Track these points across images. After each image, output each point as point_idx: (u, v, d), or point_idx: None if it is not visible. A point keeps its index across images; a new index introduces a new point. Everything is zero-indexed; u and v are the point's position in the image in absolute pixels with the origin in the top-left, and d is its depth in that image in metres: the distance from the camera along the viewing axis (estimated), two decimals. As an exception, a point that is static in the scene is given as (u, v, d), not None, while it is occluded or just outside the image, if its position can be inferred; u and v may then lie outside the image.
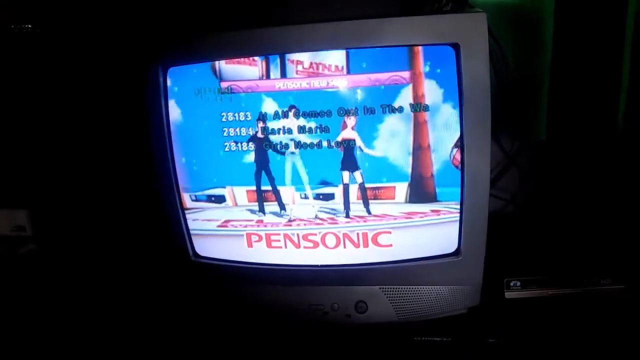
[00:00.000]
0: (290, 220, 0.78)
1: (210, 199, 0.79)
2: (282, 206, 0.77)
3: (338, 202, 0.76)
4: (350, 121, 0.72)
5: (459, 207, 0.74)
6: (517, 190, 1.06)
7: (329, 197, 0.76)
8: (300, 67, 0.72)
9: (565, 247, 0.89)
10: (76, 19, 0.89)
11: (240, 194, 0.78)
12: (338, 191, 0.76)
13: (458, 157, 0.72)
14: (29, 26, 0.88)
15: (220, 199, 0.79)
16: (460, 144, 0.71)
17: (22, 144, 0.94)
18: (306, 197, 0.77)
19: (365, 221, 0.76)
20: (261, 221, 0.79)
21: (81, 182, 0.94)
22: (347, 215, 0.76)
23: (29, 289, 0.93)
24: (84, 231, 0.96)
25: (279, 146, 0.75)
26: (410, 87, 0.70)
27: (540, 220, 0.99)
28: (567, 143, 0.97)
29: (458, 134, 0.71)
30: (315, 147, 0.74)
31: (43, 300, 0.91)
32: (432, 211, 0.75)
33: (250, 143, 0.75)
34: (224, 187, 0.78)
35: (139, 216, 0.94)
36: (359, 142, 0.73)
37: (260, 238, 0.79)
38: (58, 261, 0.96)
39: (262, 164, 0.76)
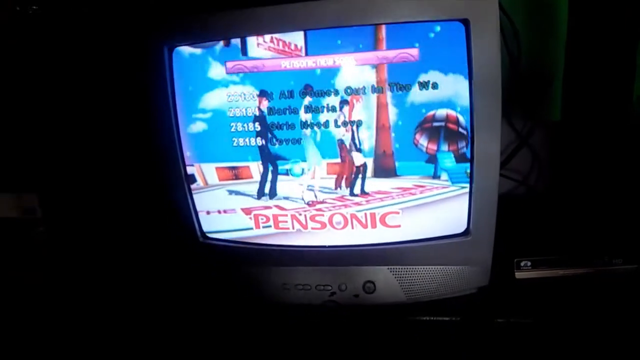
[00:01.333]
0: (298, 201, 0.78)
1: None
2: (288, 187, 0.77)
3: (345, 183, 0.76)
4: (358, 100, 0.72)
5: (468, 186, 0.73)
6: (529, 171, 1.04)
7: (337, 177, 0.75)
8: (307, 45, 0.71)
9: (577, 228, 0.88)
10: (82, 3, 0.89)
11: (245, 173, 0.78)
12: (345, 171, 0.75)
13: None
14: (35, 7, 0.88)
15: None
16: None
17: (31, 129, 0.94)
18: (313, 178, 0.76)
19: (369, 202, 0.76)
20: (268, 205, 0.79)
21: (90, 165, 0.94)
22: (353, 195, 0.76)
23: (40, 271, 0.94)
24: (93, 214, 0.96)
25: (285, 126, 0.74)
26: (418, 65, 0.69)
27: (552, 201, 0.98)
28: (581, 124, 0.95)
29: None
30: (322, 127, 0.73)
31: (53, 283, 0.92)
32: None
33: (257, 123, 0.75)
34: (231, 163, 0.78)
35: (148, 198, 0.94)
36: (366, 122, 0.72)
37: (268, 219, 0.79)
38: (67, 244, 0.96)
39: (268, 144, 0.76)
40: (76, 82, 0.92)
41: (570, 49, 0.91)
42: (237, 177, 0.78)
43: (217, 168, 0.78)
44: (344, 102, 0.72)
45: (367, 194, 0.75)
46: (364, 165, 0.74)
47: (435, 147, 0.72)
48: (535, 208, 0.98)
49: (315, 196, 0.77)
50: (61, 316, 0.86)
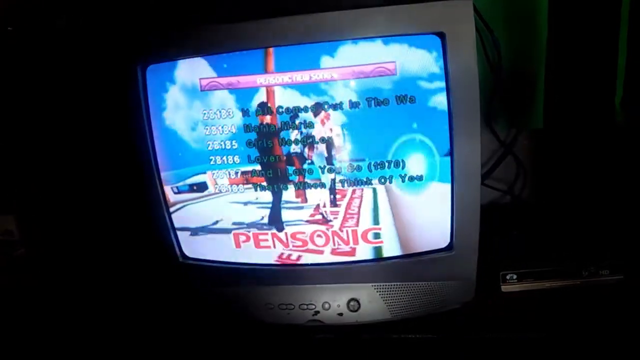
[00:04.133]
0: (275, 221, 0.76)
1: (192, 188, 0.77)
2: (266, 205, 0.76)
3: (323, 199, 0.74)
4: (335, 115, 0.70)
5: (450, 201, 0.72)
6: (513, 180, 1.04)
7: (314, 194, 0.74)
8: (282, 61, 0.70)
9: (563, 238, 0.87)
10: (56, 20, 0.88)
11: (224, 188, 0.76)
12: (323, 188, 0.74)
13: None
14: (10, 28, 0.87)
15: (202, 188, 0.77)
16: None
17: (8, 149, 0.93)
18: (297, 197, 0.75)
19: (353, 217, 0.74)
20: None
21: (67, 185, 0.93)
22: (335, 213, 0.74)
23: (22, 292, 0.93)
24: (72, 234, 0.95)
25: (262, 143, 0.73)
26: (395, 79, 0.68)
27: (537, 210, 0.97)
28: (564, 131, 0.94)
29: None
30: (300, 143, 0.72)
31: (35, 302, 0.90)
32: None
33: (233, 141, 0.73)
34: (205, 177, 0.76)
35: (126, 217, 0.93)
36: (342, 137, 0.71)
37: (248, 238, 0.78)
38: (47, 264, 0.95)
39: (245, 162, 0.74)
40: (53, 101, 0.90)
41: (550, 55, 0.91)
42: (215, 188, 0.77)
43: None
44: (319, 117, 0.71)
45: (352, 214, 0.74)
46: (333, 182, 0.73)
47: (414, 160, 0.71)
48: (521, 218, 0.97)
49: (298, 215, 0.75)
50: (43, 335, 0.84)
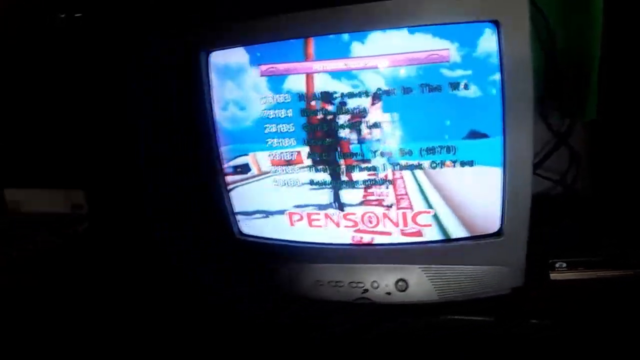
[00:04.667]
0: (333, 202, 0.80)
1: (248, 168, 0.81)
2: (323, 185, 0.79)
3: (375, 182, 0.77)
4: (388, 101, 0.73)
5: (501, 186, 0.73)
6: (566, 170, 1.03)
7: (366, 177, 0.77)
8: (336, 48, 0.73)
9: (615, 230, 0.86)
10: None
11: (279, 169, 0.80)
12: (375, 172, 0.76)
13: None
14: (62, 15, 0.93)
15: (257, 168, 0.81)
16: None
17: (82, 130, 1.00)
18: (350, 180, 0.78)
19: (404, 200, 0.77)
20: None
21: (134, 164, 0.99)
22: (386, 195, 0.77)
23: (85, 266, 1.00)
24: (136, 210, 1.01)
25: (319, 127, 0.76)
26: (449, 65, 0.70)
27: (589, 200, 0.96)
28: (618, 122, 0.93)
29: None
30: (353, 128, 0.75)
31: (97, 275, 0.96)
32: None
33: (291, 124, 0.77)
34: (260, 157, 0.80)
35: (188, 196, 0.98)
36: (394, 122, 0.73)
37: (302, 217, 0.81)
38: (112, 238, 1.01)
39: (301, 144, 0.78)
40: (120, 83, 0.96)
41: (605, 45, 0.89)
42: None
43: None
44: (372, 103, 0.73)
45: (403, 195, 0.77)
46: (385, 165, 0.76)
47: (465, 145, 0.72)
48: (572, 209, 0.96)
49: (353, 197, 0.78)
50: (106, 308, 0.91)
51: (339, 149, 0.76)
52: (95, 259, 1.00)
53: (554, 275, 0.81)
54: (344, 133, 0.75)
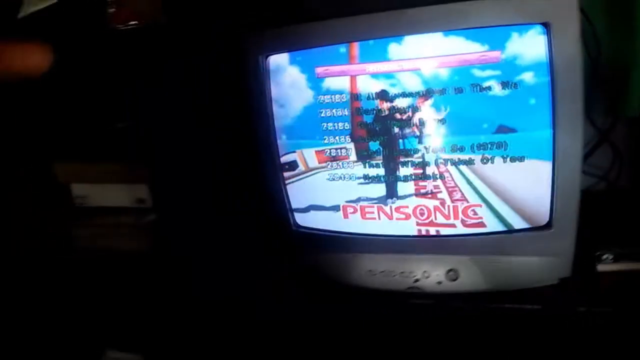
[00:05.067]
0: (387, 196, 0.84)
1: (304, 164, 0.87)
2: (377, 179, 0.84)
3: (428, 176, 0.81)
4: (440, 99, 0.77)
5: (550, 181, 0.76)
6: (609, 167, 1.05)
7: (419, 172, 0.81)
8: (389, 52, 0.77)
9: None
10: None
11: (335, 164, 0.85)
12: (428, 167, 0.80)
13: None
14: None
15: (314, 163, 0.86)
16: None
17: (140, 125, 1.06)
18: (403, 174, 0.82)
19: (456, 194, 0.81)
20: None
21: (196, 161, 1.06)
22: (438, 189, 0.81)
23: (150, 257, 1.06)
24: (197, 203, 1.07)
25: (372, 126, 0.81)
26: (499, 66, 0.73)
27: (634, 196, 0.98)
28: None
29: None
30: (407, 125, 0.79)
31: (159, 265, 1.03)
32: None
33: (345, 123, 0.82)
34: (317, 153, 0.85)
35: (246, 190, 1.04)
36: (446, 120, 0.77)
37: (356, 210, 0.86)
38: (175, 229, 1.08)
39: (359, 143, 0.82)
40: (183, 85, 1.03)
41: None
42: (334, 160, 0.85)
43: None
44: (425, 102, 0.77)
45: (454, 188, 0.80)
46: (437, 161, 0.80)
47: (516, 142, 0.76)
48: (617, 204, 0.98)
49: (405, 191, 0.83)
50: (165, 298, 0.98)
51: (392, 146, 0.81)
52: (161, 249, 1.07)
53: (600, 267, 0.83)
54: (397, 130, 0.80)
